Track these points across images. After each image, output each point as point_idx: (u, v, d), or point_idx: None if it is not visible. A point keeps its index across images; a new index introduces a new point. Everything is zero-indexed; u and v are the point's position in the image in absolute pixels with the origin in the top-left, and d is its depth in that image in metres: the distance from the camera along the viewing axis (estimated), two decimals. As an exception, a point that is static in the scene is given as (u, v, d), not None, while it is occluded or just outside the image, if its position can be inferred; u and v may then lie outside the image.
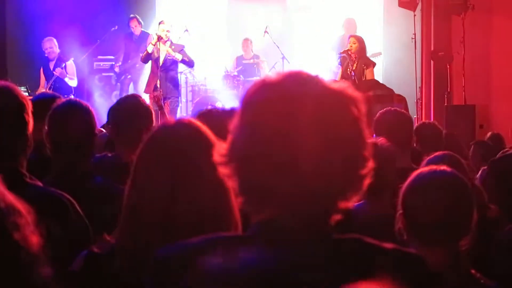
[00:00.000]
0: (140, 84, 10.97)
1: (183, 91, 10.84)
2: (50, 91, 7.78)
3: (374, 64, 9.42)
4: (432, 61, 10.31)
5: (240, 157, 1.24)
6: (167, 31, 9.47)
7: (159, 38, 9.39)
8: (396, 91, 9.40)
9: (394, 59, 10.92)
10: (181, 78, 10.60)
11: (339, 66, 9.49)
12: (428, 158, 3.04)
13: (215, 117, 2.37)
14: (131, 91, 10.55)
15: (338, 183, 1.23)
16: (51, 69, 10.05)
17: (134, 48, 11.03)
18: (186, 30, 10.05)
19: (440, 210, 2.06)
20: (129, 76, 11.13)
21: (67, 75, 9.99)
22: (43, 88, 10.09)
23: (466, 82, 9.43)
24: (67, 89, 9.91)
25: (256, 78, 9.97)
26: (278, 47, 10.46)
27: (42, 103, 3.07)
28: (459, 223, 2.09)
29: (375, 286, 1.10)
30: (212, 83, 11.04)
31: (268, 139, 1.21)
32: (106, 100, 10.58)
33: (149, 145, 1.73)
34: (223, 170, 1.26)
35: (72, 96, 9.92)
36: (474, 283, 2.08)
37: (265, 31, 10.60)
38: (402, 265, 1.28)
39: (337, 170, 1.22)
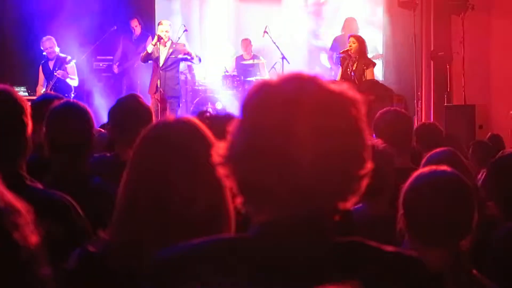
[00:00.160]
0: (139, 84, 10.98)
1: (182, 91, 10.85)
2: (53, 92, 7.77)
3: (374, 64, 9.43)
4: (431, 61, 10.32)
5: (239, 157, 1.24)
6: (166, 31, 9.48)
7: (159, 38, 9.41)
8: (396, 91, 9.41)
9: (394, 59, 10.92)
10: (181, 78, 10.60)
11: (339, 66, 9.50)
12: (428, 154, 3.04)
13: (210, 120, 2.37)
14: (130, 91, 10.55)
15: (337, 184, 1.22)
16: (51, 69, 10.05)
17: (133, 48, 11.04)
18: (185, 30, 10.06)
19: (441, 210, 2.06)
20: (127, 77, 11.13)
21: (69, 76, 9.99)
22: (41, 86, 10.11)
23: (466, 82, 9.44)
24: (67, 88, 9.92)
25: (255, 79, 10.03)
26: (278, 47, 10.46)
27: (45, 104, 3.08)
28: (460, 223, 2.09)
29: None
30: (212, 83, 11.05)
31: (267, 140, 1.21)
32: (106, 100, 10.58)
33: (145, 140, 1.73)
34: (221, 170, 1.26)
35: (72, 95, 9.94)
36: (475, 283, 2.08)
37: (265, 31, 10.60)
38: (401, 268, 1.28)
39: (336, 171, 1.21)
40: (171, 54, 9.54)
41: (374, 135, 3.99)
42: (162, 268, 1.28)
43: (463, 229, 2.10)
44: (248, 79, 10.62)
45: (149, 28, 11.17)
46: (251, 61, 11.10)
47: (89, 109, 2.96)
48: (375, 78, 9.31)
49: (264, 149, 1.20)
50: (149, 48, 9.56)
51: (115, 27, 11.12)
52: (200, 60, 9.80)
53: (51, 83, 9.88)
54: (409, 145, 4.12)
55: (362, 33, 9.82)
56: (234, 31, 11.72)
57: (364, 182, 1.25)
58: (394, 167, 3.07)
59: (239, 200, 1.26)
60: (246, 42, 11.22)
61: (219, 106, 10.39)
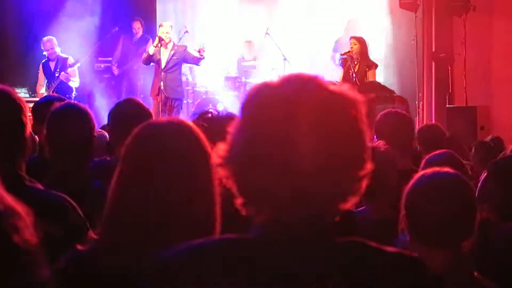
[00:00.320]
0: (140, 86, 10.98)
1: (184, 92, 10.85)
2: (55, 94, 7.77)
3: (376, 66, 9.43)
4: (433, 63, 10.32)
5: (239, 158, 1.24)
6: (167, 32, 9.48)
7: (160, 40, 9.41)
8: (398, 93, 9.41)
9: (396, 60, 10.92)
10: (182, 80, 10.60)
11: (341, 67, 9.50)
12: (428, 156, 3.04)
13: (212, 120, 2.37)
14: (129, 93, 10.55)
15: (337, 184, 1.22)
16: (52, 70, 10.05)
17: (133, 50, 11.03)
18: (186, 32, 10.06)
19: (443, 211, 2.06)
20: (127, 78, 11.12)
21: (71, 79, 10.00)
22: (41, 86, 10.12)
23: (467, 84, 9.43)
24: (68, 89, 9.93)
25: (257, 80, 10.03)
26: (280, 49, 10.47)
27: (47, 105, 3.09)
28: (461, 225, 2.09)
29: None
30: (213, 84, 11.05)
31: (267, 141, 1.21)
32: (107, 101, 10.59)
33: (135, 140, 1.74)
34: (222, 172, 1.25)
35: (74, 94, 9.95)
36: (476, 285, 2.08)
37: (266, 33, 10.61)
38: (402, 268, 1.28)
39: (336, 172, 1.22)
40: (172, 56, 9.55)
41: (375, 136, 3.99)
42: (163, 269, 1.29)
43: (465, 230, 2.10)
44: (249, 80, 10.63)
45: (150, 29, 11.17)
46: (252, 63, 11.10)
47: (89, 111, 2.97)
48: (377, 80, 9.30)
49: (264, 150, 1.21)
50: (151, 50, 9.57)
51: (117, 28, 11.13)
52: (202, 59, 9.75)
53: (53, 85, 9.88)
54: (410, 146, 4.12)
55: (364, 34, 9.81)
56: (235, 33, 11.72)
57: (364, 183, 1.25)
58: (397, 168, 3.07)
59: (239, 201, 1.26)
60: (248, 44, 11.22)
61: (220, 107, 10.40)
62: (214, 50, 11.00)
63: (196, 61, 9.72)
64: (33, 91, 10.20)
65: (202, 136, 1.72)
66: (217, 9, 11.84)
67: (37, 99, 9.21)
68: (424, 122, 9.27)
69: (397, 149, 3.39)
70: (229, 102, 10.34)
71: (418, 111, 10.07)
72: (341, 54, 9.48)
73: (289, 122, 1.20)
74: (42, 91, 10.06)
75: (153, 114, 3.62)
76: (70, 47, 10.44)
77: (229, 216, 1.59)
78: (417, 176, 2.15)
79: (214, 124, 2.25)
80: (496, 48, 9.73)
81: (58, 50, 10.10)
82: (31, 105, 3.86)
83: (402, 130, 4.01)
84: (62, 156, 2.85)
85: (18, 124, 2.21)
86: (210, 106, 10.60)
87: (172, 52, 9.56)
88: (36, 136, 3.51)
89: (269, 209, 1.23)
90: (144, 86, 10.94)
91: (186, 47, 9.69)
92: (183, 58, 9.62)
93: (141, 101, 3.66)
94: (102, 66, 11.39)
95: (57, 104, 2.99)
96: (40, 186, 2.31)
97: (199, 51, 9.45)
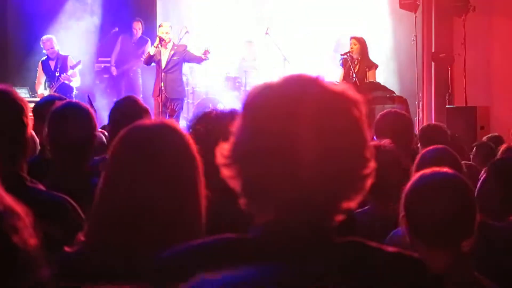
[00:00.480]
0: (139, 86, 10.97)
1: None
2: (57, 94, 7.78)
3: (376, 66, 9.42)
4: (433, 63, 10.31)
5: (242, 158, 1.24)
6: (167, 32, 9.48)
7: (161, 40, 9.40)
8: (398, 93, 9.41)
9: (396, 60, 10.92)
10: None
11: (341, 67, 9.49)
12: (422, 152, 3.02)
13: (215, 119, 2.37)
14: (129, 93, 10.53)
15: (340, 184, 1.23)
16: (52, 69, 10.05)
17: (133, 51, 11.02)
18: (187, 32, 10.05)
19: (443, 211, 2.06)
20: (126, 79, 11.10)
21: (72, 79, 10.00)
22: (40, 84, 10.10)
23: (467, 84, 9.43)
24: (69, 88, 9.92)
25: (257, 80, 10.02)
26: (280, 49, 10.47)
27: (48, 105, 3.09)
28: (461, 225, 2.09)
29: None
30: (214, 84, 11.04)
31: (268, 141, 1.21)
32: (107, 101, 10.59)
33: (121, 142, 1.75)
34: (225, 172, 1.26)
35: (75, 92, 9.95)
36: (477, 285, 2.08)
37: (266, 33, 10.60)
38: (402, 268, 1.28)
39: (338, 171, 1.22)
40: (172, 56, 9.54)
41: (374, 136, 3.99)
42: (163, 269, 1.29)
43: (465, 230, 2.09)
44: (250, 80, 10.62)
45: (150, 29, 11.16)
46: (252, 63, 11.09)
47: (90, 110, 2.97)
48: (377, 80, 9.30)
49: (267, 150, 1.21)
50: (151, 50, 9.56)
51: (117, 29, 11.12)
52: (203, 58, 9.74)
53: (55, 85, 9.87)
54: (410, 146, 4.13)
55: (364, 35, 9.80)
56: (236, 33, 11.71)
57: (369, 182, 1.25)
58: (402, 167, 3.07)
59: (243, 201, 1.26)
60: (249, 44, 11.22)
61: (220, 107, 10.39)
62: (215, 50, 10.99)
63: (198, 60, 9.71)
64: (33, 91, 10.20)
65: (188, 137, 1.73)
66: (217, 9, 11.83)
67: (37, 99, 9.23)
68: (424, 122, 9.27)
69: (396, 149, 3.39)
70: (229, 102, 10.33)
71: (418, 111, 10.07)
72: (341, 54, 9.47)
73: (291, 122, 1.20)
74: (42, 89, 10.05)
75: (153, 115, 3.62)
76: (71, 47, 10.44)
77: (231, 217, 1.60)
78: (416, 176, 2.15)
79: (219, 123, 2.25)
80: (496, 48, 9.73)
81: (57, 48, 10.09)
82: (32, 105, 3.87)
83: (402, 130, 4.02)
84: (63, 156, 2.85)
85: (19, 124, 2.21)
86: (211, 106, 10.61)
87: (172, 52, 9.55)
88: (37, 136, 3.52)
89: (272, 209, 1.24)
90: (144, 87, 10.93)
91: (186, 46, 9.68)
92: (183, 58, 9.61)
93: (140, 100, 3.67)
94: (102, 66, 11.39)
95: (58, 104, 2.99)
96: (41, 187, 2.32)
97: (204, 53, 9.45)
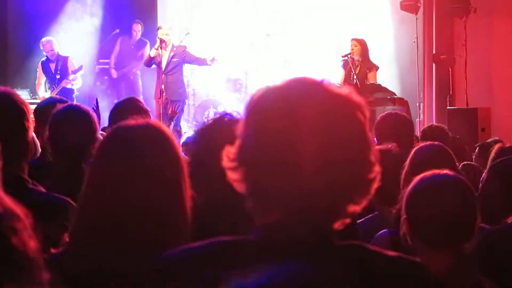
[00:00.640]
0: (139, 88, 10.97)
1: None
2: (58, 96, 7.81)
3: (377, 68, 9.42)
4: (434, 64, 10.31)
5: (247, 162, 1.24)
6: (167, 34, 9.48)
7: (162, 42, 9.40)
8: (398, 95, 9.40)
9: (396, 62, 10.91)
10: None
11: (342, 69, 9.49)
12: (416, 148, 3.00)
13: (231, 124, 2.37)
14: (129, 95, 10.54)
15: (344, 187, 1.23)
16: (52, 71, 10.05)
17: (132, 53, 11.02)
18: (188, 33, 10.05)
19: (444, 214, 2.06)
20: (126, 81, 11.09)
21: (73, 82, 10.01)
22: (40, 85, 10.11)
23: (468, 85, 9.42)
24: (69, 90, 9.93)
25: (258, 82, 10.03)
26: (281, 51, 10.47)
27: (49, 107, 3.09)
28: (463, 227, 2.09)
29: None
30: (214, 86, 11.04)
31: (272, 144, 1.21)
32: (107, 102, 10.59)
33: (104, 144, 1.77)
34: (232, 175, 1.26)
35: (76, 93, 9.95)
36: (478, 287, 2.08)
37: (267, 34, 10.61)
38: (403, 272, 1.28)
39: (343, 175, 1.22)
40: (172, 58, 9.54)
41: (375, 138, 3.99)
42: (163, 270, 1.29)
43: (466, 232, 2.10)
44: (250, 82, 10.62)
45: (151, 31, 11.16)
46: (253, 64, 11.09)
47: (91, 113, 2.98)
48: (378, 81, 9.30)
49: (271, 154, 1.21)
50: (152, 52, 9.56)
51: (117, 30, 11.13)
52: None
53: (56, 88, 9.87)
54: (411, 148, 4.11)
55: (365, 36, 9.80)
56: (236, 34, 11.71)
57: (374, 186, 1.26)
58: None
59: (248, 203, 1.26)
60: (249, 46, 11.22)
61: (221, 109, 10.39)
62: (215, 51, 11.00)
63: (199, 62, 9.69)
64: (34, 93, 10.21)
65: (172, 138, 1.74)
66: (218, 11, 11.83)
67: (38, 101, 9.24)
68: (425, 124, 9.27)
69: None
70: (230, 104, 10.33)
71: (419, 113, 10.07)
72: (342, 56, 9.47)
73: (295, 125, 1.20)
74: (42, 91, 10.06)
75: (154, 117, 3.63)
76: (71, 49, 10.45)
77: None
78: (416, 179, 2.15)
79: (233, 127, 2.24)
80: (497, 50, 9.72)
81: (57, 50, 10.09)
82: (33, 107, 3.87)
83: (402, 132, 4.02)
84: (64, 158, 2.85)
85: (20, 127, 2.22)
86: (211, 108, 10.61)
87: (172, 54, 9.55)
88: (38, 138, 3.52)
89: (275, 211, 1.24)
90: (144, 89, 10.93)
91: (185, 47, 9.67)
92: (183, 59, 9.60)
93: (141, 101, 3.67)
94: (103, 68, 11.39)
95: (59, 106, 2.99)
96: (42, 189, 2.32)
97: (212, 60, 9.46)
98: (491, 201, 3.02)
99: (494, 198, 2.99)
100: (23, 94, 9.59)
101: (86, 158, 2.89)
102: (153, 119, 4.47)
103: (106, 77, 11.31)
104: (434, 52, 10.28)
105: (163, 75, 9.42)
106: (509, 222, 2.68)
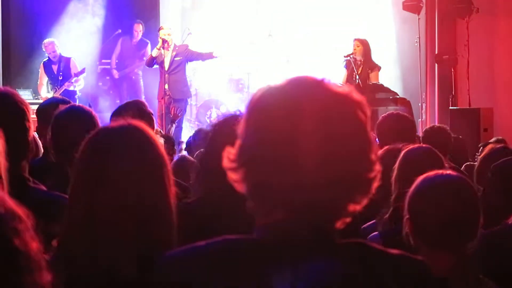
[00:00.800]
0: (141, 88, 10.98)
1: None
2: (60, 97, 7.82)
3: (379, 68, 9.42)
4: (436, 64, 10.31)
5: (248, 161, 1.25)
6: (169, 34, 9.48)
7: (164, 42, 9.40)
8: (401, 95, 9.40)
9: (399, 62, 10.91)
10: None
11: (345, 69, 9.49)
12: (405, 151, 2.99)
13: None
14: (131, 95, 10.55)
15: (345, 186, 1.23)
16: (55, 72, 10.06)
17: (133, 53, 11.02)
18: (190, 33, 10.06)
19: (447, 214, 2.06)
20: (128, 81, 11.10)
21: (75, 84, 10.02)
22: (42, 85, 10.13)
23: (471, 85, 9.42)
24: (71, 91, 9.94)
25: (260, 82, 10.02)
26: (283, 50, 10.47)
27: (52, 108, 3.10)
28: (465, 227, 2.09)
29: None
30: (216, 86, 11.05)
31: (273, 143, 1.22)
32: (110, 103, 10.60)
33: (86, 146, 1.77)
34: (232, 175, 1.26)
35: (78, 94, 9.96)
36: (482, 287, 2.08)
37: (269, 35, 10.61)
38: (406, 270, 1.28)
39: (343, 174, 1.22)
40: (175, 57, 9.54)
41: (376, 138, 3.99)
42: (168, 270, 1.29)
43: (469, 232, 2.10)
44: (252, 82, 10.62)
45: (153, 31, 11.17)
46: (254, 64, 11.09)
47: (94, 113, 2.98)
48: (380, 81, 9.30)
49: (272, 153, 1.21)
50: (154, 52, 9.56)
51: (120, 31, 11.13)
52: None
53: (58, 90, 9.88)
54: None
55: (367, 36, 9.80)
56: (238, 34, 11.71)
57: (374, 185, 1.26)
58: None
59: (249, 203, 1.27)
60: (250, 46, 11.22)
61: (223, 109, 10.39)
62: (217, 51, 11.02)
63: (202, 57, 9.65)
64: (36, 93, 10.22)
65: (154, 138, 1.75)
66: (219, 11, 11.84)
67: (40, 101, 9.25)
68: (428, 124, 9.26)
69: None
70: (232, 104, 10.34)
71: (421, 113, 10.07)
72: (345, 56, 9.47)
73: (296, 124, 1.21)
74: (44, 92, 10.07)
75: (157, 117, 3.62)
76: (73, 49, 10.46)
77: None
78: (419, 179, 2.15)
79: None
80: (499, 50, 9.71)
81: (59, 51, 10.10)
82: (35, 107, 3.88)
83: (404, 132, 4.02)
84: (67, 159, 2.85)
85: (21, 126, 2.22)
86: (213, 108, 10.62)
87: (174, 53, 9.54)
88: (40, 139, 3.52)
89: (277, 210, 1.24)
90: (145, 88, 10.94)
91: (187, 46, 9.66)
92: (186, 57, 9.60)
93: (145, 103, 3.67)
94: (105, 67, 11.40)
95: (62, 107, 3.00)
96: (43, 188, 2.32)
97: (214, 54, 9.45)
98: (492, 201, 3.03)
99: (495, 199, 2.99)
100: (26, 95, 9.61)
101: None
102: (156, 120, 4.46)
103: (108, 78, 11.32)
104: (436, 52, 10.28)
105: (166, 75, 9.42)
106: (510, 222, 2.68)
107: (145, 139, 1.74)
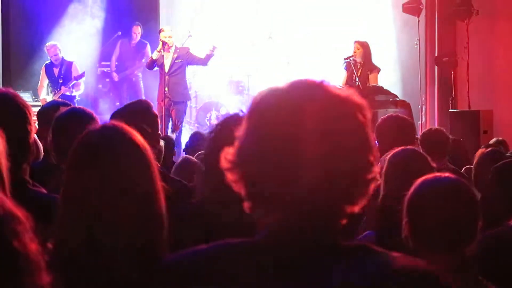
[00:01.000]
0: (140, 90, 10.98)
1: (187, 96, 10.84)
2: (61, 99, 7.84)
3: (378, 70, 9.42)
4: (436, 67, 10.32)
5: (246, 162, 1.25)
6: (169, 36, 9.48)
7: (164, 44, 9.40)
8: (400, 97, 9.40)
9: (398, 64, 10.92)
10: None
11: (345, 71, 9.49)
12: (391, 154, 2.99)
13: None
14: (131, 97, 10.56)
15: (344, 188, 1.23)
16: (56, 75, 10.06)
17: (132, 55, 11.03)
18: (190, 35, 10.06)
19: (446, 216, 2.06)
20: (128, 83, 11.10)
21: (73, 90, 10.03)
22: (42, 87, 10.13)
23: (470, 88, 9.43)
24: (70, 96, 9.94)
25: (260, 84, 10.02)
26: (283, 51, 10.48)
27: (53, 110, 3.10)
28: (465, 230, 2.09)
29: None
30: (216, 88, 11.05)
31: (273, 145, 1.22)
32: (109, 105, 10.60)
33: (73, 149, 1.78)
34: (230, 176, 1.27)
35: (77, 98, 9.96)
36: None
37: (270, 37, 10.62)
38: (410, 274, 1.28)
39: (342, 176, 1.22)
40: (175, 59, 9.54)
41: (376, 141, 3.99)
42: (171, 273, 1.29)
43: (468, 235, 2.10)
44: (252, 84, 10.62)
45: (153, 33, 11.17)
46: (255, 66, 11.10)
47: (95, 115, 2.98)
48: (379, 84, 9.30)
49: (271, 155, 1.21)
50: (154, 55, 9.55)
51: (120, 33, 11.13)
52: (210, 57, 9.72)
53: (57, 93, 9.89)
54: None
55: (367, 38, 9.81)
56: (238, 36, 11.72)
57: (372, 186, 1.26)
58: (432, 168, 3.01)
59: (247, 204, 1.27)
60: (250, 47, 11.23)
61: (223, 111, 10.39)
62: (217, 53, 11.03)
63: (204, 61, 9.63)
64: (36, 95, 10.23)
65: (139, 139, 1.75)
66: (219, 12, 11.84)
67: (40, 103, 9.26)
68: (427, 126, 9.27)
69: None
70: (232, 106, 10.34)
71: (421, 115, 10.07)
72: (345, 58, 9.48)
73: (296, 126, 1.21)
74: (44, 94, 10.08)
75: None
76: (73, 51, 10.46)
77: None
78: (418, 182, 2.15)
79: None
80: (499, 52, 9.72)
81: (61, 55, 10.11)
82: (35, 109, 3.88)
83: (403, 134, 4.02)
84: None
85: (22, 129, 2.22)
86: (213, 110, 10.62)
87: (175, 55, 9.54)
88: (41, 141, 3.52)
89: (276, 212, 1.24)
90: (146, 90, 10.94)
91: (188, 48, 9.66)
92: (186, 60, 9.60)
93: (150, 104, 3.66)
94: (105, 70, 11.40)
95: (63, 109, 3.00)
96: (43, 190, 2.32)
97: (213, 49, 9.42)
98: (493, 203, 3.03)
99: (495, 201, 2.99)
100: (26, 97, 9.61)
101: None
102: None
103: (108, 80, 11.32)
104: (436, 55, 10.29)
105: (167, 77, 9.42)
106: (510, 224, 2.69)
107: (131, 140, 1.74)
